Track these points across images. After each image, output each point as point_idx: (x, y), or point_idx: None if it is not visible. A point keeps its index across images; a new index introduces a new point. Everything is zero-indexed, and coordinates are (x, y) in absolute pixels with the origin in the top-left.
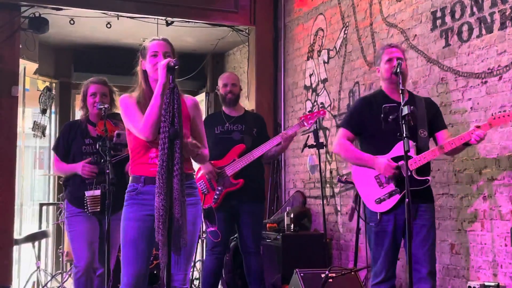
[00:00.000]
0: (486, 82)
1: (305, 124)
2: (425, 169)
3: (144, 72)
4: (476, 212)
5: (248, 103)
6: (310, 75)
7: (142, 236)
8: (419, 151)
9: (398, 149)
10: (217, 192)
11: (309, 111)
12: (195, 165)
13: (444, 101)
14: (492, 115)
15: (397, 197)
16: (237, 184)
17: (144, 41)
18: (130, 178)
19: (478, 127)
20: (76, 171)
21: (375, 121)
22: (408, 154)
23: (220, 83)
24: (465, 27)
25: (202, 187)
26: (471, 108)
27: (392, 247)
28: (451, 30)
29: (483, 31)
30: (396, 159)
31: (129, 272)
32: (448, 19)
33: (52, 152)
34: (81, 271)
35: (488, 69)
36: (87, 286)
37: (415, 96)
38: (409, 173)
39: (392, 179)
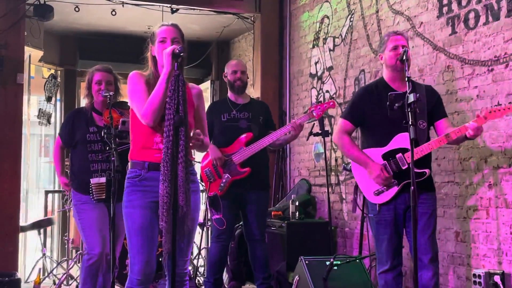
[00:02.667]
0: (492, 69)
1: (314, 114)
2: (424, 161)
3: (154, 58)
4: (481, 200)
5: (253, 91)
6: (316, 63)
7: (150, 223)
8: (416, 143)
9: (395, 142)
10: (224, 180)
11: (318, 101)
12: (199, 153)
13: (450, 89)
14: (488, 108)
15: (395, 189)
16: (244, 173)
17: (149, 28)
18: (131, 164)
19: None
20: (58, 177)
21: (376, 112)
22: (405, 147)
23: (228, 69)
24: (471, 14)
25: (208, 175)
26: (477, 96)
27: (395, 235)
28: (457, 17)
29: (490, 19)
30: (393, 152)
31: (140, 260)
32: (454, 6)
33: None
34: (94, 258)
35: (495, 57)
36: (97, 273)
37: (417, 84)
38: (406, 166)
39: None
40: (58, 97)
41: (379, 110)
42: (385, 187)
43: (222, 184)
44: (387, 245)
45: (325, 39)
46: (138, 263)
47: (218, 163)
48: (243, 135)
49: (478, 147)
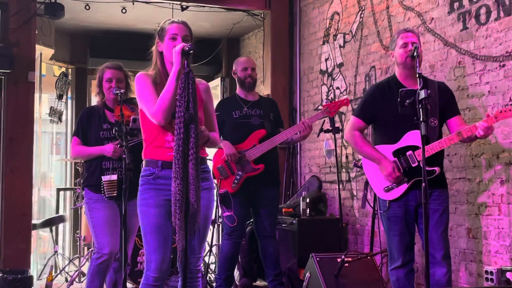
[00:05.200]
0: (504, 65)
1: (329, 112)
2: (435, 159)
3: (160, 54)
4: (493, 196)
5: (263, 88)
6: (326, 60)
7: (165, 222)
8: (427, 140)
9: (406, 139)
10: (237, 177)
11: (331, 99)
12: (212, 150)
13: (461, 85)
14: (499, 108)
15: (405, 186)
16: (258, 169)
17: (159, 25)
18: (145, 162)
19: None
20: (103, 153)
21: (388, 109)
22: (415, 144)
23: (238, 66)
24: (483, 10)
25: (221, 171)
26: (488, 92)
27: (406, 231)
28: (468, 13)
29: (501, 14)
30: (403, 149)
31: (156, 258)
32: (465, 1)
33: (69, 137)
34: (104, 257)
35: (506, 52)
36: (105, 272)
37: (429, 81)
38: (416, 164)
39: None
40: (69, 95)
41: (390, 108)
42: (395, 184)
43: (235, 181)
44: (398, 241)
45: (335, 35)
46: (155, 261)
47: (232, 159)
48: (256, 132)
49: (490, 143)
